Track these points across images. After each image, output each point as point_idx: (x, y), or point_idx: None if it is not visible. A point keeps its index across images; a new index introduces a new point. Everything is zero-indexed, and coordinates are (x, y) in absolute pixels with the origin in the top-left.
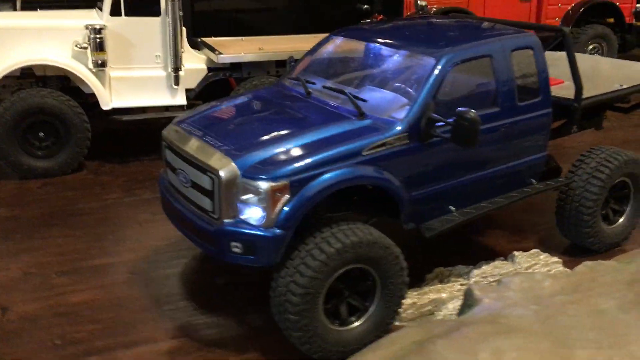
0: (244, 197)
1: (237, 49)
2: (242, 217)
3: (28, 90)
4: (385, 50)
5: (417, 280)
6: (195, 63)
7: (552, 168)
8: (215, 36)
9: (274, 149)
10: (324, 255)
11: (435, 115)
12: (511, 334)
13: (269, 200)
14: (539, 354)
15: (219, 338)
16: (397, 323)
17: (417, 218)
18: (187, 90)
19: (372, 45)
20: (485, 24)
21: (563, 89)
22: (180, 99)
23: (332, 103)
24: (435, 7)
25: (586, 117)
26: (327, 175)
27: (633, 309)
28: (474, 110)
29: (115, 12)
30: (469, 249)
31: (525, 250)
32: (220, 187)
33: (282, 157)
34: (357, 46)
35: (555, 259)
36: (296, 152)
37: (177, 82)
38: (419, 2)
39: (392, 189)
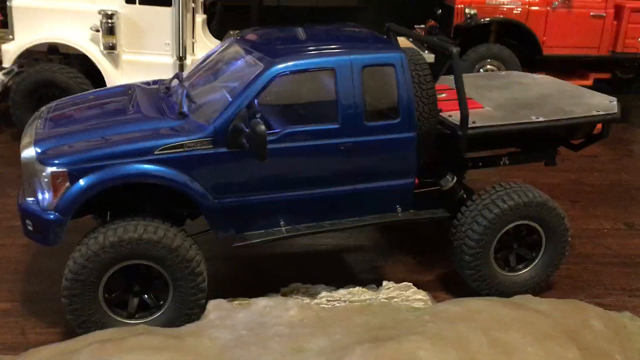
0: (37, 180)
1: None
2: (38, 198)
3: (42, 65)
4: (242, 54)
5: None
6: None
7: (458, 197)
8: None
9: (73, 138)
10: (97, 246)
11: (240, 124)
12: (162, 350)
13: (51, 185)
14: None
15: (43, 309)
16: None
17: (235, 226)
18: None
19: (240, 48)
20: (360, 34)
21: (480, 114)
22: None
23: (172, 102)
24: (487, 18)
25: (529, 149)
26: (106, 170)
27: (324, 356)
28: (262, 124)
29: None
30: (361, 270)
31: (424, 282)
32: (22, 167)
33: (73, 146)
34: (234, 49)
35: (421, 295)
36: (89, 143)
37: (181, 70)
38: (466, 10)
39: (186, 191)
